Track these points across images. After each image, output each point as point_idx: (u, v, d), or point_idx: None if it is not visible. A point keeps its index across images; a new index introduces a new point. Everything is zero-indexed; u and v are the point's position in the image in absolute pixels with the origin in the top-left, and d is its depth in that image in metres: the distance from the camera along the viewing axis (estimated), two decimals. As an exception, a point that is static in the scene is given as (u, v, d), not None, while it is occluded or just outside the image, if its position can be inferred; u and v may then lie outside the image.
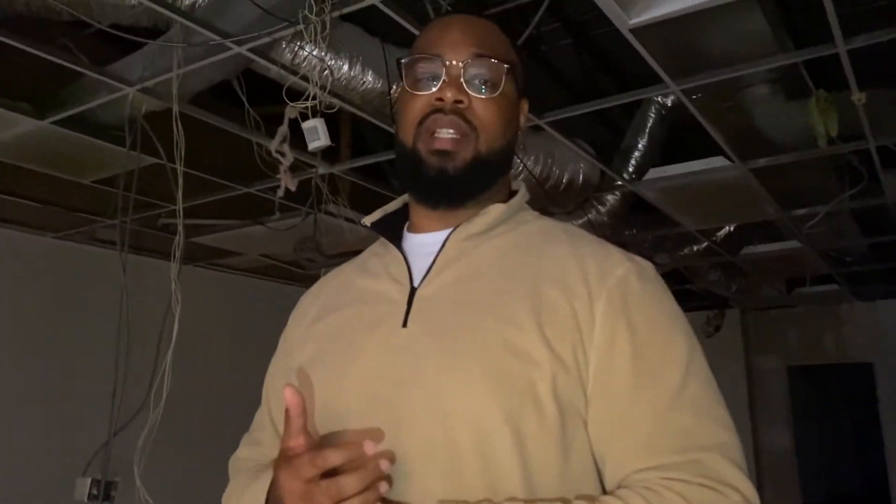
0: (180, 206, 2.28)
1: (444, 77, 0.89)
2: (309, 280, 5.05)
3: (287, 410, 0.78)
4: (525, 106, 0.99)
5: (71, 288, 3.86)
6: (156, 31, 2.16)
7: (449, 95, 0.88)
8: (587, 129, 3.06)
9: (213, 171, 3.04)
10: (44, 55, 2.07)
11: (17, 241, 3.68)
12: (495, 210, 0.92)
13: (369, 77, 2.20)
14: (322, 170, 2.94)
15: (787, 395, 6.55)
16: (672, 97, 2.65)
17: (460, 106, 0.88)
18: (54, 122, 2.44)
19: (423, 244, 0.93)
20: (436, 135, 0.88)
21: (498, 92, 0.90)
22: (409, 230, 0.97)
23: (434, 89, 0.89)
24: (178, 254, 2.19)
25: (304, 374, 0.90)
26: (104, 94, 2.31)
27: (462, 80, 0.89)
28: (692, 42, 2.13)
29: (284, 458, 0.78)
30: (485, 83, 0.90)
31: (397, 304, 0.88)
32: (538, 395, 0.78)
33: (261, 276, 4.90)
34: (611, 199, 3.37)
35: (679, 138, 3.03)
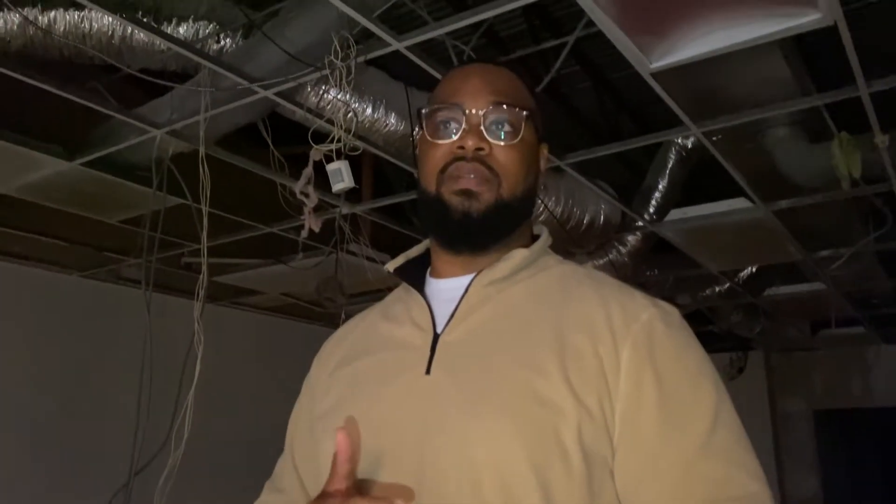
0: (204, 245, 2.31)
1: (464, 125, 0.90)
2: (329, 319, 5.07)
3: (336, 454, 0.78)
4: (545, 150, 1.00)
5: (95, 326, 3.89)
6: (184, 75, 2.21)
7: (470, 143, 0.89)
8: (608, 169, 3.07)
9: (237, 210, 3.07)
10: (75, 98, 2.12)
11: (45, 279, 3.72)
12: (518, 255, 0.92)
13: (392, 119, 2.24)
14: (344, 210, 2.97)
15: (813, 440, 6.41)
16: (692, 139, 2.66)
17: (481, 153, 0.90)
18: (83, 164, 2.49)
19: (445, 289, 0.93)
20: (459, 180, 0.89)
21: (518, 138, 0.91)
22: (432, 275, 0.98)
23: (455, 137, 0.91)
24: (201, 293, 2.21)
25: (327, 421, 0.90)
26: (132, 136, 2.36)
27: (482, 127, 0.90)
28: (713, 85, 2.14)
29: (322, 500, 0.78)
30: (505, 130, 0.91)
31: (420, 350, 0.88)
32: (564, 444, 0.77)
33: (282, 314, 4.92)
34: (632, 239, 3.37)
35: (700, 179, 3.03)
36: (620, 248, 3.40)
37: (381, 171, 3.34)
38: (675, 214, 3.14)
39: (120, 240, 3.33)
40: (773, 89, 2.17)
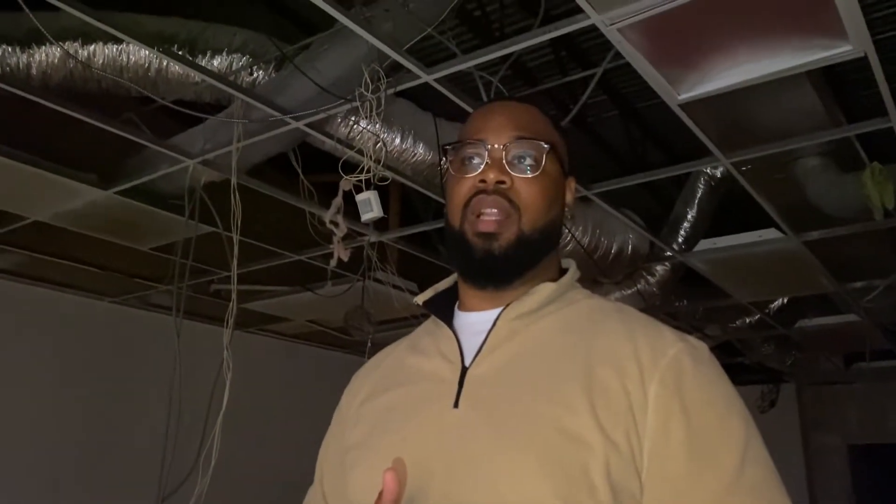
0: (234, 273, 2.34)
1: (486, 159, 0.92)
2: (356, 347, 5.07)
3: (381, 494, 0.78)
4: (572, 184, 1.00)
5: (125, 352, 3.93)
6: (217, 106, 2.26)
7: (491, 176, 0.90)
8: (636, 199, 3.07)
9: (266, 238, 3.11)
10: (111, 129, 2.17)
11: (77, 305, 3.79)
12: (545, 289, 0.92)
13: (420, 149, 2.26)
14: (372, 238, 2.99)
15: (847, 476, 6.24)
16: (721, 169, 2.65)
17: (503, 186, 0.90)
18: (118, 192, 2.54)
19: (473, 323, 0.94)
20: (481, 217, 0.90)
21: (539, 171, 0.92)
22: (460, 308, 0.98)
23: (477, 171, 0.92)
24: (230, 320, 2.23)
25: (357, 453, 0.91)
26: (166, 165, 2.41)
27: (504, 161, 0.92)
28: (742, 116, 2.14)
29: None
30: (527, 163, 0.92)
31: (448, 383, 0.88)
32: (592, 480, 0.76)
33: (309, 342, 4.94)
34: (660, 269, 3.34)
35: (730, 209, 3.01)
36: (649, 278, 3.38)
37: (409, 199, 3.37)
38: (704, 244, 3.11)
39: (151, 267, 3.38)
40: (803, 119, 2.16)
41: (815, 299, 4.05)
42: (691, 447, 0.78)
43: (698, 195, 2.88)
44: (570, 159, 1.00)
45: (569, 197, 0.99)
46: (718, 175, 2.75)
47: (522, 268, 0.92)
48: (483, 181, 0.91)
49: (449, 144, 0.97)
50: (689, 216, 2.98)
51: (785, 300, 4.11)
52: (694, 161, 2.51)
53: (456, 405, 0.86)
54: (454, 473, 0.81)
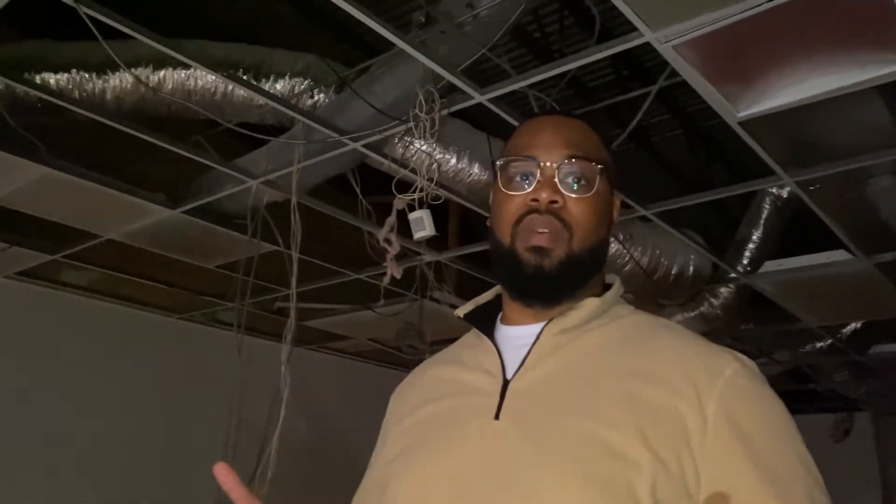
0: (294, 291, 2.38)
1: (538, 178, 0.91)
2: (415, 365, 5.08)
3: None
4: (617, 202, 1.00)
5: (189, 368, 4.05)
6: (280, 128, 2.32)
7: (544, 196, 0.89)
8: (699, 219, 3.00)
9: (326, 257, 3.16)
10: (179, 151, 2.25)
11: (146, 321, 3.93)
12: (590, 304, 0.91)
13: (476, 169, 2.27)
14: (429, 257, 3.01)
15: (930, 511, 5.91)
16: (788, 189, 2.57)
17: (555, 206, 0.90)
18: (185, 212, 2.64)
19: (516, 336, 0.93)
20: (533, 234, 0.90)
21: (592, 191, 0.91)
22: (503, 322, 0.97)
23: (529, 189, 0.91)
24: (289, 336, 2.27)
25: (396, 466, 0.91)
26: (230, 185, 2.49)
27: (556, 180, 0.91)
28: (806, 133, 2.07)
29: None
30: (579, 183, 0.91)
31: (490, 396, 0.87)
32: (637, 498, 0.74)
33: (368, 360, 4.98)
34: (724, 291, 3.25)
35: (798, 230, 2.92)
36: (712, 300, 3.29)
37: (468, 219, 3.38)
38: (770, 266, 3.02)
39: (217, 285, 3.48)
40: (874, 136, 2.09)
41: (891, 324, 3.88)
42: (757, 467, 0.76)
43: (764, 215, 2.80)
44: (617, 177, 0.99)
45: (615, 215, 0.99)
46: (785, 195, 2.67)
47: (572, 287, 0.92)
48: (535, 200, 0.90)
49: (499, 160, 0.97)
50: (754, 237, 2.89)
51: (858, 325, 3.95)
52: (757, 180, 2.45)
53: (497, 418, 0.85)
54: (494, 486, 0.79)
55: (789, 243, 2.98)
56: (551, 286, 0.90)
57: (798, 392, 5.30)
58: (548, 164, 0.91)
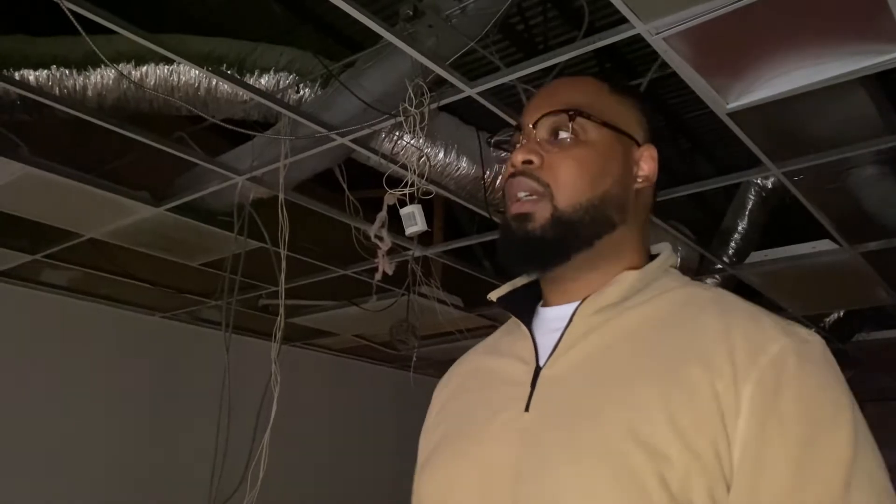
0: (282, 288, 2.36)
1: (521, 142, 0.87)
2: (402, 361, 5.08)
3: None
4: (647, 152, 0.88)
5: (175, 367, 4.01)
6: (265, 124, 2.29)
7: (518, 158, 0.85)
8: (684, 211, 3.01)
9: (313, 253, 3.14)
10: (162, 147, 2.22)
11: (129, 320, 3.88)
12: (626, 278, 0.83)
13: (464, 163, 2.26)
14: (416, 252, 3.00)
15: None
16: (773, 179, 2.59)
17: (529, 166, 0.84)
18: (169, 209, 2.60)
19: (551, 319, 0.86)
20: (516, 201, 0.86)
21: (570, 142, 0.84)
22: (542, 305, 0.91)
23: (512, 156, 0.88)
24: (278, 334, 2.25)
25: (434, 458, 0.87)
26: (215, 182, 2.46)
27: (537, 140, 0.86)
28: (793, 124, 2.09)
29: None
30: (557, 136, 0.85)
31: (522, 385, 0.82)
32: (667, 492, 0.69)
33: (354, 356, 4.97)
34: (711, 283, 3.27)
35: (782, 220, 2.94)
36: (698, 291, 3.31)
37: (453, 214, 3.37)
38: (755, 257, 3.04)
39: (201, 282, 3.44)
40: (857, 127, 2.10)
41: (873, 312, 3.92)
42: (790, 460, 0.69)
43: (749, 206, 2.82)
44: (650, 126, 0.90)
45: (645, 167, 0.88)
46: (769, 185, 2.69)
47: (567, 249, 0.83)
48: (514, 164, 0.86)
49: (499, 138, 0.94)
50: (739, 228, 2.91)
51: (841, 314, 3.99)
52: (743, 171, 2.46)
53: (527, 409, 0.80)
54: (520, 483, 0.76)
55: (774, 234, 3.01)
56: (542, 249, 0.83)
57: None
58: (530, 125, 0.86)
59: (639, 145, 0.88)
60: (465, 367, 0.98)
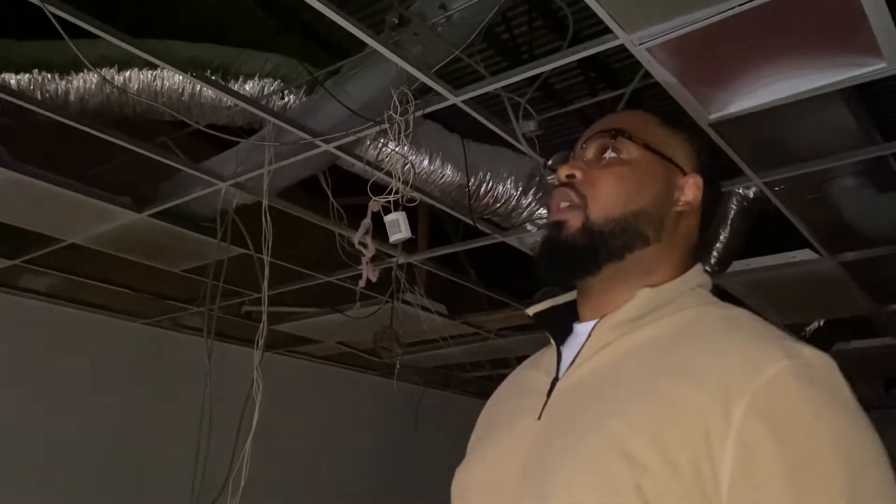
0: (265, 295, 2.35)
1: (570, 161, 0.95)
2: (385, 369, 5.07)
3: None
4: (692, 180, 0.91)
5: (156, 373, 3.97)
6: (249, 130, 2.29)
7: (563, 172, 0.92)
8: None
9: (297, 260, 3.13)
10: (145, 152, 2.21)
11: (110, 326, 3.84)
12: (643, 295, 0.85)
13: (448, 171, 2.27)
14: (401, 259, 2.99)
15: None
16: (754, 189, 2.61)
17: (572, 179, 0.91)
18: (151, 215, 2.58)
19: (578, 335, 0.91)
20: (555, 210, 0.92)
21: (610, 159, 0.91)
22: (577, 322, 0.94)
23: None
24: (261, 342, 2.24)
25: (467, 459, 0.94)
26: (199, 188, 2.44)
27: (583, 158, 0.94)
28: (774, 135, 2.11)
29: None
30: (600, 154, 0.93)
31: (540, 395, 0.87)
32: (644, 502, 0.70)
33: (337, 363, 4.94)
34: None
35: (763, 230, 2.96)
36: (680, 300, 3.32)
37: (437, 221, 3.38)
38: (737, 266, 3.06)
39: (183, 289, 3.42)
40: (837, 138, 2.13)
41: (853, 322, 3.96)
42: (786, 488, 0.67)
43: (731, 216, 2.84)
44: (701, 161, 0.94)
45: (689, 194, 0.90)
46: (751, 195, 2.71)
47: (595, 257, 0.87)
48: (558, 179, 0.93)
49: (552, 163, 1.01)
50: (721, 237, 2.93)
51: (821, 323, 4.03)
52: (726, 181, 2.48)
53: (539, 417, 0.85)
54: (522, 487, 0.81)
55: (755, 243, 3.03)
56: (568, 257, 0.88)
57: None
58: (579, 148, 0.95)
59: (684, 173, 0.92)
60: (511, 377, 1.05)
